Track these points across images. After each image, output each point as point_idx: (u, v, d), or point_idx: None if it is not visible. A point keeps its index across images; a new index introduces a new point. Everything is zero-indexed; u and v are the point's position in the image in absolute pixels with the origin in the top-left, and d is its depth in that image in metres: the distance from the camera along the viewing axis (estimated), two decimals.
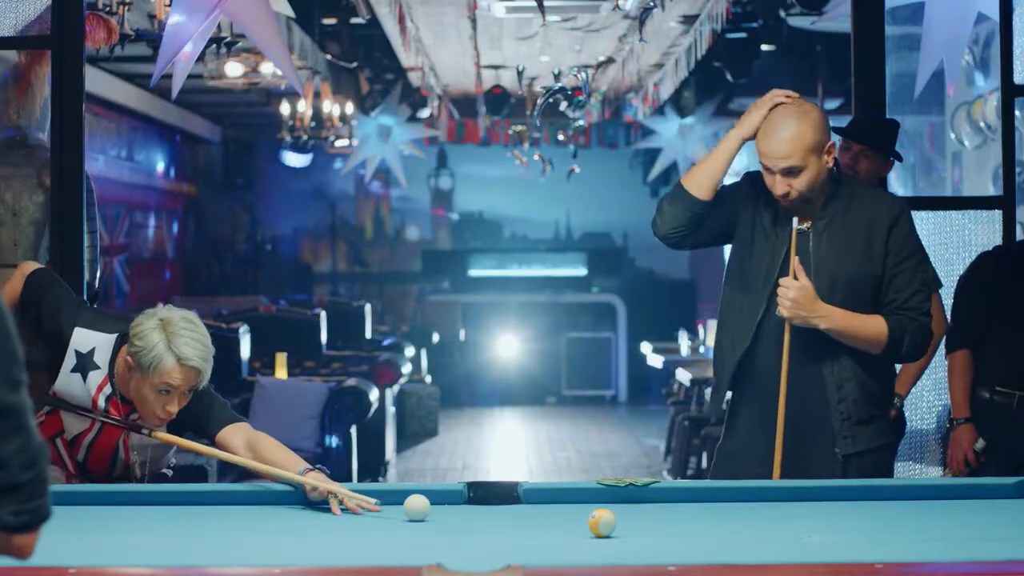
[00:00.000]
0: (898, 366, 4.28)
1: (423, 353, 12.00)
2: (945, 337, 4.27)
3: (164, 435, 3.23)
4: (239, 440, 3.13)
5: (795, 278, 3.26)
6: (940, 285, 4.30)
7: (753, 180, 3.45)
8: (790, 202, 3.29)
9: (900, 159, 4.42)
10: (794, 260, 3.28)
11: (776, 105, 3.33)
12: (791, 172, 3.25)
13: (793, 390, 3.27)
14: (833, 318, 3.25)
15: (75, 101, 4.28)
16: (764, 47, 9.35)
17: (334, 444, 7.33)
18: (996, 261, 4.26)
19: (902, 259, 3.33)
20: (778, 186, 3.27)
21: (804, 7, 7.40)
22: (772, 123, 3.31)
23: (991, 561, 2.18)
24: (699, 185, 3.39)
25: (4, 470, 1.63)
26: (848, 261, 3.32)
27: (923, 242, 4.42)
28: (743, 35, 9.16)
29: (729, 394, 3.45)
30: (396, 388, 9.67)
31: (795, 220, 3.33)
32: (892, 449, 3.44)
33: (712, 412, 3.49)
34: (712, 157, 3.44)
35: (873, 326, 3.29)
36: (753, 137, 3.34)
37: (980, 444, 4.11)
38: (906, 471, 4.57)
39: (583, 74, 7.67)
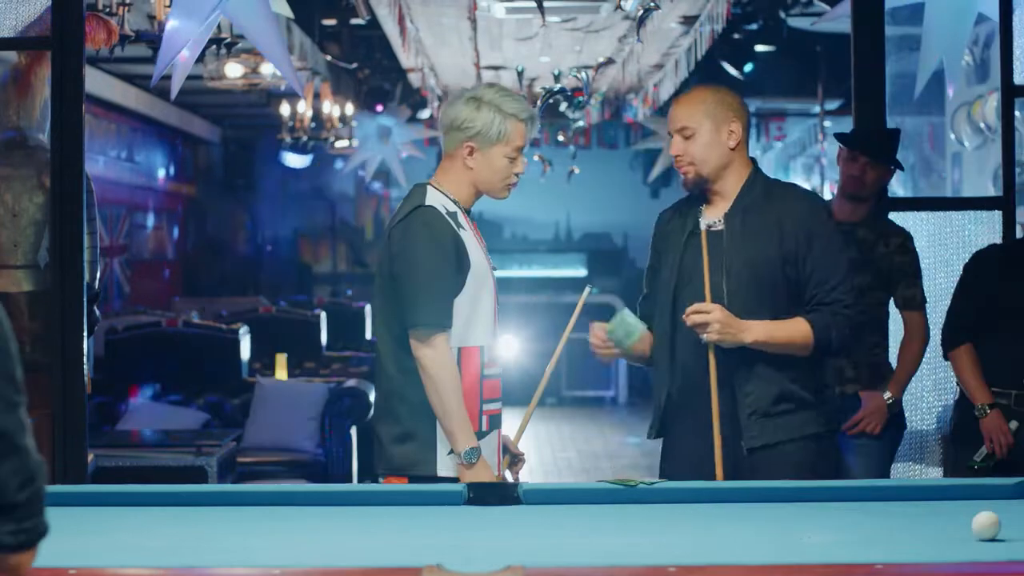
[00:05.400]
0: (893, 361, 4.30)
1: None
2: (942, 338, 4.27)
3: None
4: None
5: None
6: (925, 301, 4.30)
7: (658, 221, 3.54)
8: (685, 175, 3.36)
9: (901, 168, 4.42)
10: (706, 282, 3.27)
11: None
12: (684, 133, 3.33)
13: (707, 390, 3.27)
14: (755, 331, 3.24)
15: (75, 102, 4.28)
16: (763, 47, 9.34)
17: (334, 445, 7.33)
18: (993, 259, 4.26)
19: (819, 253, 3.31)
20: (673, 146, 3.37)
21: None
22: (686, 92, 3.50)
23: (991, 561, 2.18)
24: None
25: (1, 491, 1.62)
26: (760, 256, 3.30)
27: (923, 243, 4.45)
28: (743, 36, 9.16)
29: None
30: None
31: (703, 221, 3.36)
32: (819, 439, 3.42)
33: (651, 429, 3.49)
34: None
35: (796, 330, 3.28)
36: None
37: (1014, 425, 4.11)
38: (906, 471, 4.58)
39: (583, 75, 7.67)
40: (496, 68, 10.77)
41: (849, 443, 4.17)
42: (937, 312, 4.38)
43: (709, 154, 3.32)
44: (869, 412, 4.20)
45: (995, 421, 4.09)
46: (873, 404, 4.21)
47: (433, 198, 3.41)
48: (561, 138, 11.85)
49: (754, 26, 9.00)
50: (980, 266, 4.24)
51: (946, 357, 4.29)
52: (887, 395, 4.23)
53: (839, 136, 4.39)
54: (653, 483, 2.91)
